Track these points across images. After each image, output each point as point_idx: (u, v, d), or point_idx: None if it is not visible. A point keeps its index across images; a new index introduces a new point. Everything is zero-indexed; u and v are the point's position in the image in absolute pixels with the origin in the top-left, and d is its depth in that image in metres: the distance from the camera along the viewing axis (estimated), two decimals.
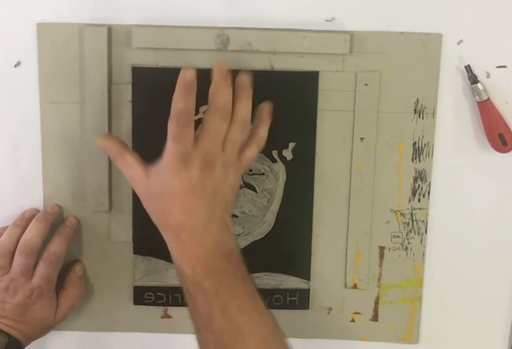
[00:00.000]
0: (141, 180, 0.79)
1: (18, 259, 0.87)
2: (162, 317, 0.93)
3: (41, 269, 0.87)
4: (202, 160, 0.77)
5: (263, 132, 0.82)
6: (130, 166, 0.79)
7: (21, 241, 0.87)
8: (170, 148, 0.77)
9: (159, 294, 0.92)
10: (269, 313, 0.78)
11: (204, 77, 0.86)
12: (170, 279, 0.92)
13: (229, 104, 0.79)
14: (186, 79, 0.77)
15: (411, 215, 0.90)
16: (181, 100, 0.78)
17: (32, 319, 0.88)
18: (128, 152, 0.80)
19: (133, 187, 0.81)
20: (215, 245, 0.77)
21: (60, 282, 0.90)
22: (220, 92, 0.78)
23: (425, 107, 0.88)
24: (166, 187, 0.77)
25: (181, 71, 0.78)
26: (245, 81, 0.80)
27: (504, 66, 0.87)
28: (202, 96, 0.87)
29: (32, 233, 0.87)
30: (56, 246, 0.88)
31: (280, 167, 0.89)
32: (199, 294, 0.76)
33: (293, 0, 0.86)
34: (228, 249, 0.78)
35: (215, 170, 0.78)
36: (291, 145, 0.88)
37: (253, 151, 0.82)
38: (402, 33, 0.86)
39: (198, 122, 0.87)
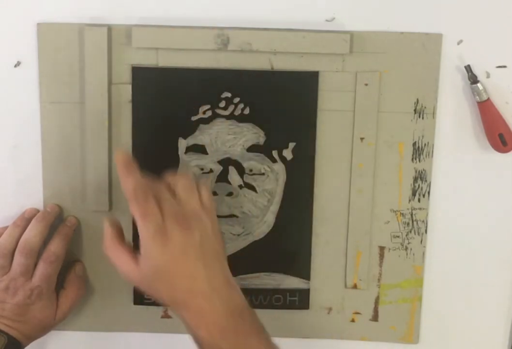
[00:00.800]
0: (134, 271, 0.77)
1: (18, 259, 0.86)
2: (162, 317, 0.93)
3: (41, 269, 0.87)
4: (176, 223, 0.76)
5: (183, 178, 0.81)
6: (120, 260, 0.78)
7: (21, 240, 0.87)
8: (143, 227, 0.76)
9: None
10: None
11: (204, 77, 0.87)
12: None
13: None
14: (123, 161, 0.77)
15: (411, 215, 0.90)
16: (128, 181, 0.76)
17: (32, 319, 0.87)
18: (121, 244, 0.78)
19: (129, 281, 0.78)
20: (225, 305, 0.76)
21: (60, 282, 0.90)
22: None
23: (425, 107, 0.88)
24: (159, 265, 0.75)
25: (115, 154, 0.80)
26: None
27: (504, 66, 0.87)
28: (202, 96, 0.87)
29: (32, 233, 0.87)
30: (56, 245, 0.88)
31: (280, 167, 0.89)
32: None
33: (293, 0, 0.86)
34: (239, 305, 0.77)
35: (192, 225, 0.77)
36: (291, 145, 0.88)
37: (206, 191, 0.81)
38: (402, 33, 0.86)
39: (197, 122, 0.88)
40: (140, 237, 0.76)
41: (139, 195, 0.76)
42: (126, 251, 0.78)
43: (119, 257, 0.78)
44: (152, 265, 0.76)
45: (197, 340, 0.76)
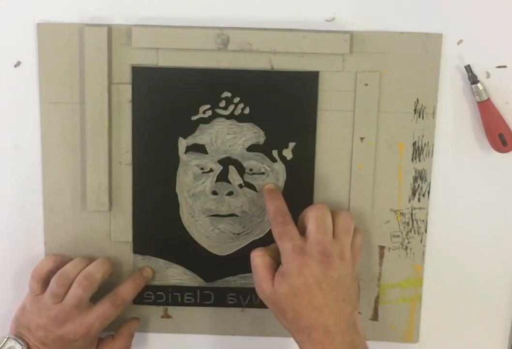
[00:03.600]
0: (268, 289, 0.80)
1: (74, 290, 0.85)
2: (162, 317, 0.93)
3: (103, 308, 0.86)
4: (318, 253, 0.79)
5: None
6: (260, 276, 0.81)
7: (82, 272, 0.86)
8: (282, 247, 0.80)
9: (158, 293, 0.92)
10: None
11: (204, 77, 0.87)
12: (170, 278, 0.92)
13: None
14: (268, 187, 0.87)
15: (411, 214, 0.90)
16: (271, 204, 0.84)
17: None
18: (267, 265, 0.81)
19: (259, 295, 0.82)
20: (345, 346, 0.78)
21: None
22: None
23: (425, 107, 0.88)
24: (292, 286, 0.78)
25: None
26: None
27: (504, 66, 0.87)
28: (202, 96, 0.87)
29: (96, 268, 0.86)
30: (126, 291, 0.88)
31: (280, 167, 0.89)
32: None
33: (293, 0, 0.86)
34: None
35: (334, 264, 0.79)
36: (291, 145, 0.88)
37: (360, 239, 0.84)
38: (402, 33, 0.86)
39: (197, 122, 0.88)
40: (282, 259, 0.80)
41: (278, 217, 0.82)
42: (268, 270, 0.81)
43: (260, 274, 0.81)
44: (286, 285, 0.78)
45: None
